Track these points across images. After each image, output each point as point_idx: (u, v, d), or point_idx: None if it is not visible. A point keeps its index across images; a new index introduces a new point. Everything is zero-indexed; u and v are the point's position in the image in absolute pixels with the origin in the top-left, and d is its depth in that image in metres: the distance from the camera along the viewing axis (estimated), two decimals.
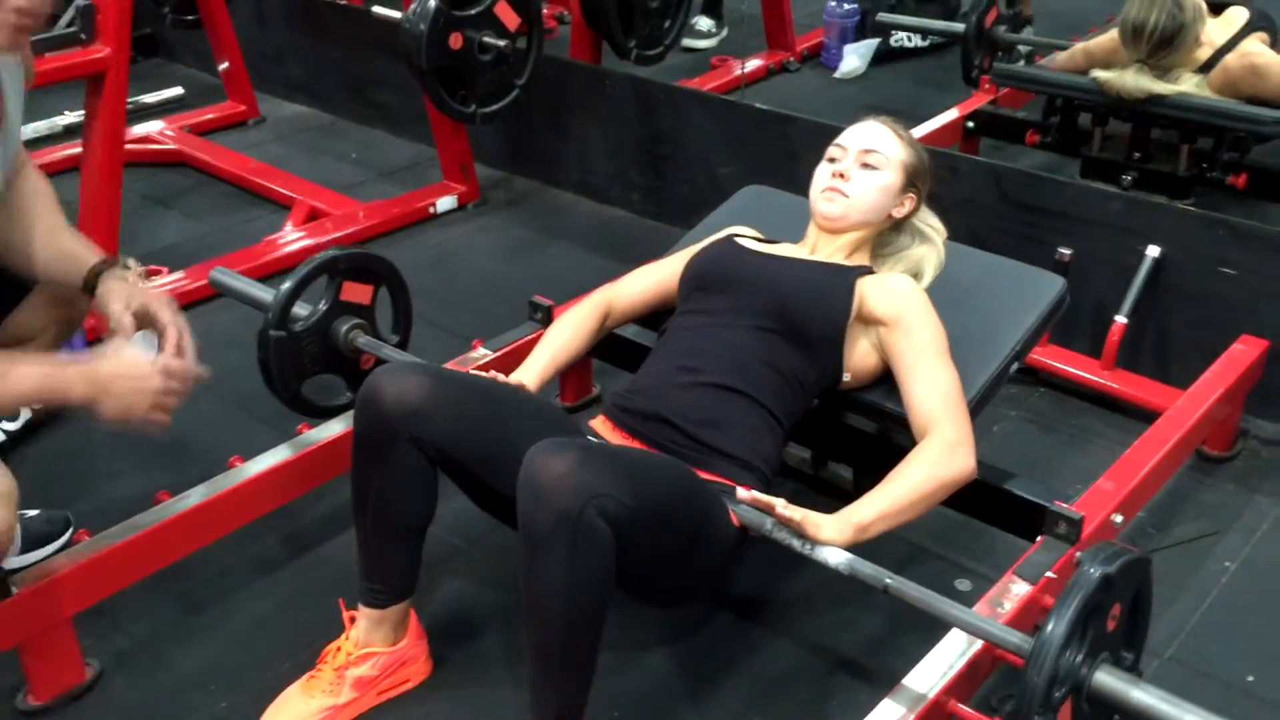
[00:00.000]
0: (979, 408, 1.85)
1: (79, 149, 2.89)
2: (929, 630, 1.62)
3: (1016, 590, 1.65)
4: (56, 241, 1.73)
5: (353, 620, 1.73)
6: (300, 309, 1.99)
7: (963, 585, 1.96)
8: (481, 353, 2.26)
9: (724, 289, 1.87)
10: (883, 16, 3.99)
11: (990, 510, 1.88)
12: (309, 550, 2.06)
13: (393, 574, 1.72)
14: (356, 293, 2.05)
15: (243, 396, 2.39)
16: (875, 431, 1.95)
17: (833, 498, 2.13)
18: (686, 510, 1.56)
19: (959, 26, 3.60)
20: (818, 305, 1.81)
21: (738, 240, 1.97)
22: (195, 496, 1.86)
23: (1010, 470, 1.87)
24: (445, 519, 2.04)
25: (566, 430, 1.72)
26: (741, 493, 1.59)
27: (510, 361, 2.15)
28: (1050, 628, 1.33)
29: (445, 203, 3.37)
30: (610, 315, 2.04)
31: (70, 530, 1.99)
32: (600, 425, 1.80)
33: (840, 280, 1.83)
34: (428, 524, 1.72)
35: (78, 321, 1.65)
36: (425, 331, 2.32)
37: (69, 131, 3.73)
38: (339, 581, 1.88)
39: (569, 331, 1.98)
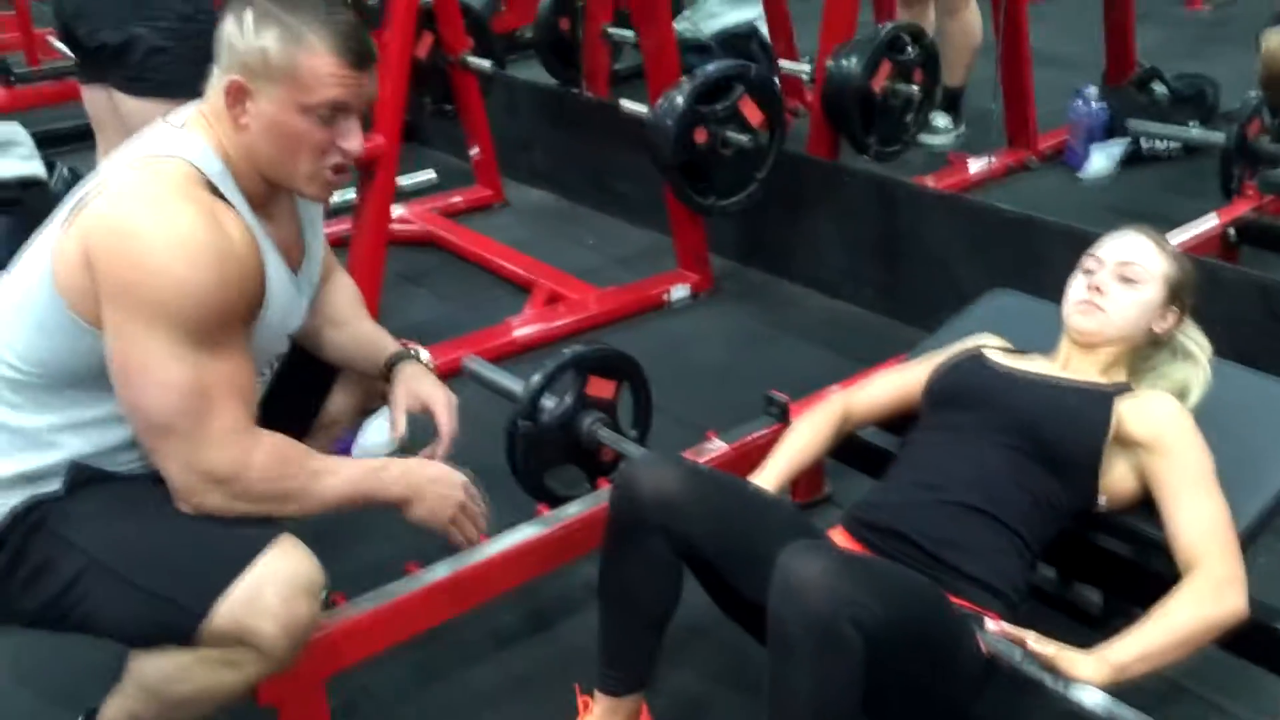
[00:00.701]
0: (1250, 540, 1.74)
1: (342, 227, 3.12)
2: None
3: None
4: (359, 333, 1.88)
5: (586, 705, 1.75)
6: (547, 400, 2.06)
7: None
8: (716, 444, 2.27)
9: (972, 407, 1.83)
10: (1134, 123, 3.86)
11: (1257, 649, 1.75)
12: (546, 629, 2.10)
13: (632, 663, 1.73)
14: (600, 387, 2.11)
15: (485, 473, 2.47)
16: (1129, 555, 1.85)
17: (1078, 621, 2.04)
18: (937, 630, 1.52)
19: (1219, 137, 3.45)
20: (1072, 429, 1.74)
21: (986, 354, 1.93)
22: (443, 570, 1.93)
23: (1278, 607, 1.75)
24: (679, 611, 2.05)
25: (812, 536, 1.71)
26: (991, 624, 1.53)
27: (744, 455, 2.16)
28: None
29: (679, 291, 3.43)
30: (848, 420, 2.02)
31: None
32: (838, 536, 1.77)
33: (1097, 404, 1.76)
34: (670, 616, 1.73)
35: (374, 406, 1.77)
36: (658, 420, 2.36)
37: (334, 212, 3.99)
38: (573, 663, 1.91)
39: (807, 436, 1.98)
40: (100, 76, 2.54)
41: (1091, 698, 1.46)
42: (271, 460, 1.53)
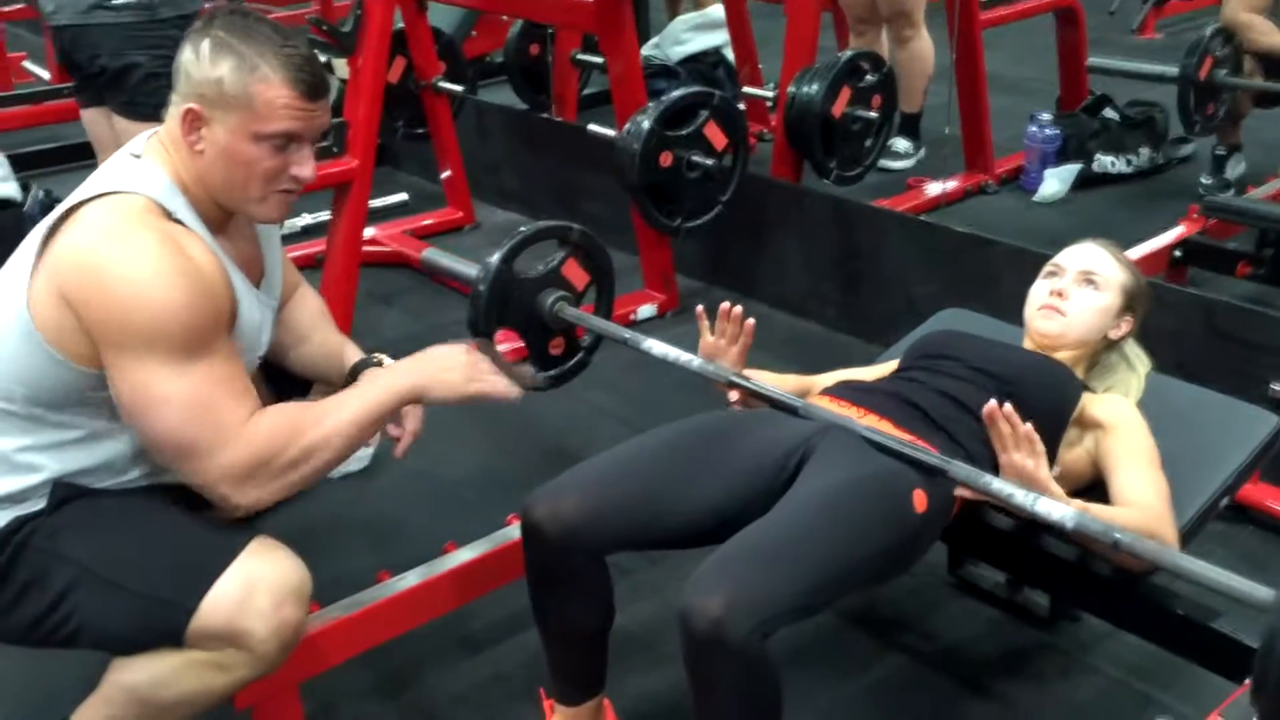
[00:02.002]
0: (1187, 539, 1.82)
1: (315, 248, 3.18)
2: None
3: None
4: (325, 344, 1.93)
5: (552, 708, 1.81)
6: (526, 259, 2.01)
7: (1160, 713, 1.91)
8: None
9: (954, 355, 1.91)
10: (1093, 61, 3.95)
11: (1194, 647, 1.83)
12: (513, 635, 2.15)
13: (579, 676, 1.78)
14: (575, 274, 2.09)
15: (454, 485, 2.55)
16: (1074, 559, 1.93)
17: (1027, 624, 2.12)
18: (859, 552, 1.54)
19: (1173, 70, 3.53)
20: (1049, 386, 1.84)
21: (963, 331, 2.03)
22: (413, 578, 1.98)
23: (1216, 608, 1.83)
24: (637, 613, 2.12)
25: (729, 448, 1.72)
26: (991, 403, 1.57)
27: None
28: None
29: (646, 310, 3.51)
30: (808, 396, 2.07)
31: None
32: (822, 400, 1.83)
33: (1070, 378, 1.87)
34: (609, 626, 1.77)
35: None
36: (623, 433, 2.41)
37: (306, 232, 4.06)
38: (537, 666, 1.95)
39: (769, 380, 2.01)
40: (99, 99, 2.61)
41: (1060, 511, 1.48)
42: (275, 431, 1.56)
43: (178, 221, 1.57)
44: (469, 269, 1.99)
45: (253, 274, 1.73)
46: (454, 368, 1.72)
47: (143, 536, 1.56)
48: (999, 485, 1.52)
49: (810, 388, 2.06)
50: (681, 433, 1.78)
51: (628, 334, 1.92)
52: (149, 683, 1.56)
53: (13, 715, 1.96)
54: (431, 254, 2.21)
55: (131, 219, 1.53)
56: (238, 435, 1.53)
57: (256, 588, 1.54)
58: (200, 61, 1.57)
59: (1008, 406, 1.55)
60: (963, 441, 1.73)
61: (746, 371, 1.91)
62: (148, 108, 2.48)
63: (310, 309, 1.96)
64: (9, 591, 1.56)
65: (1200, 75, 3.48)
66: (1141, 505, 1.70)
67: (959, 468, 1.57)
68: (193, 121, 1.57)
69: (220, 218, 1.65)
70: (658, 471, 1.70)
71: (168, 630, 1.53)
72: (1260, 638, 1.28)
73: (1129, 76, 4.22)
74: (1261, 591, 1.33)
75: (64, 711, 1.70)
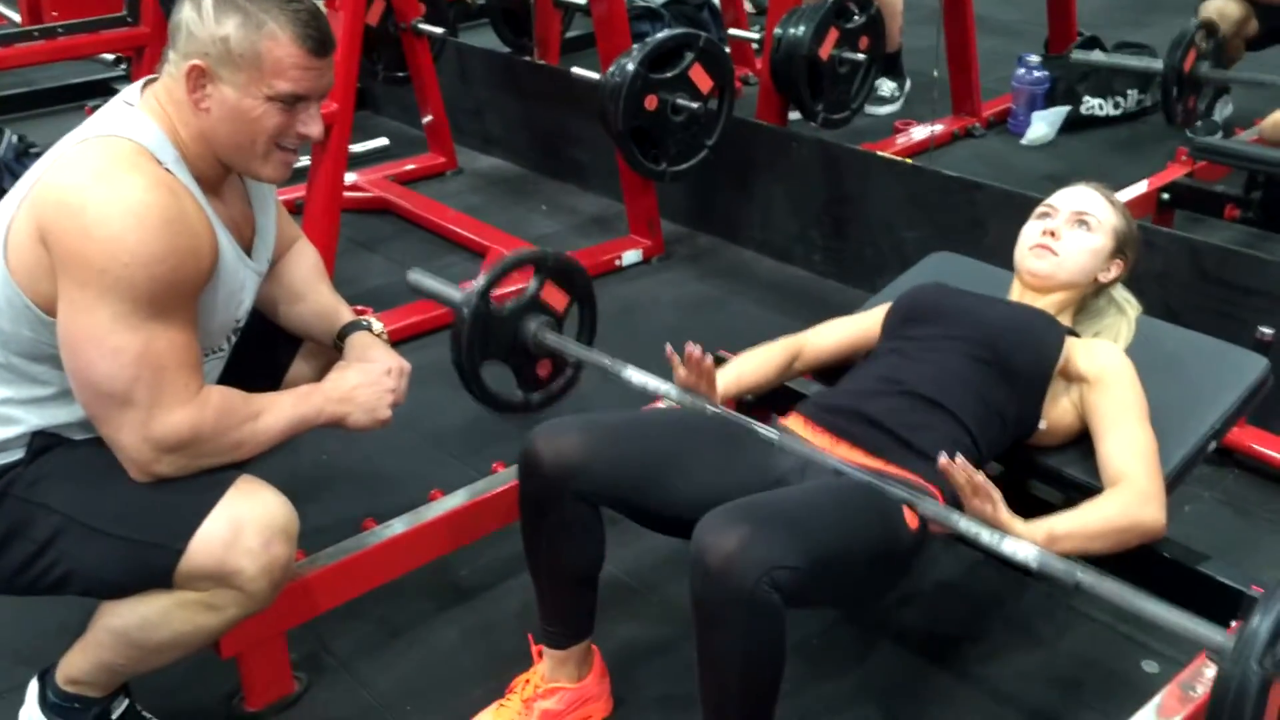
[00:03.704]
0: (1174, 485, 1.82)
1: (296, 194, 3.13)
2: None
3: (1210, 674, 1.62)
4: (317, 304, 1.90)
5: (540, 654, 1.81)
6: (496, 304, 1.99)
7: (1150, 667, 1.92)
8: (667, 405, 2.32)
9: (934, 319, 1.90)
10: (1077, 54, 3.92)
11: (1181, 592, 1.82)
12: (499, 582, 2.15)
13: (569, 618, 1.78)
14: (554, 297, 2.09)
15: (439, 433, 2.53)
16: (1062, 503, 1.93)
17: (1012, 569, 2.13)
18: (862, 543, 1.56)
19: (1158, 64, 3.51)
20: (1029, 343, 1.83)
21: (944, 283, 2.01)
22: (399, 525, 1.98)
23: (1203, 552, 1.84)
24: (625, 560, 2.12)
25: (732, 447, 1.73)
26: (944, 458, 1.54)
27: None
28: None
29: (631, 256, 3.48)
30: (799, 359, 2.06)
31: None
32: (794, 422, 1.82)
33: (1052, 327, 1.85)
34: (598, 569, 1.77)
35: (329, 371, 1.80)
36: (610, 383, 2.40)
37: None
38: (527, 613, 1.96)
39: (758, 360, 2.02)
40: None
41: (1025, 551, 1.48)
42: (220, 415, 1.56)
43: (168, 172, 1.53)
44: (455, 293, 2.00)
45: (242, 237, 1.70)
46: (379, 393, 1.74)
47: (124, 481, 1.54)
48: (966, 525, 1.53)
49: (800, 349, 2.06)
50: (687, 424, 1.79)
51: (607, 361, 1.92)
52: (139, 625, 1.57)
53: (2, 661, 1.95)
54: (417, 275, 2.21)
55: (121, 161, 1.49)
56: (183, 404, 1.51)
57: (244, 527, 1.54)
58: (203, 19, 1.52)
59: (959, 458, 1.54)
60: (932, 452, 1.68)
61: (733, 361, 2.01)
62: None
63: (305, 265, 1.93)
64: None
65: (1184, 69, 3.45)
66: (1125, 485, 1.68)
67: (927, 504, 1.58)
68: (198, 79, 1.53)
69: (213, 177, 1.62)
70: (661, 447, 1.72)
71: (157, 572, 1.53)
72: (1213, 687, 1.30)
73: (1115, 70, 4.16)
74: (1219, 637, 1.34)
75: (48, 658, 1.69)
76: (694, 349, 1.76)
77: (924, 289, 2.00)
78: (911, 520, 1.61)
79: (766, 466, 1.73)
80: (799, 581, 1.43)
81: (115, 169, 1.48)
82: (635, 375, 1.89)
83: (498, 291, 1.94)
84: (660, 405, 1.84)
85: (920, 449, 1.71)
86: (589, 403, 2.13)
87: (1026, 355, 1.81)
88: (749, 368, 2.00)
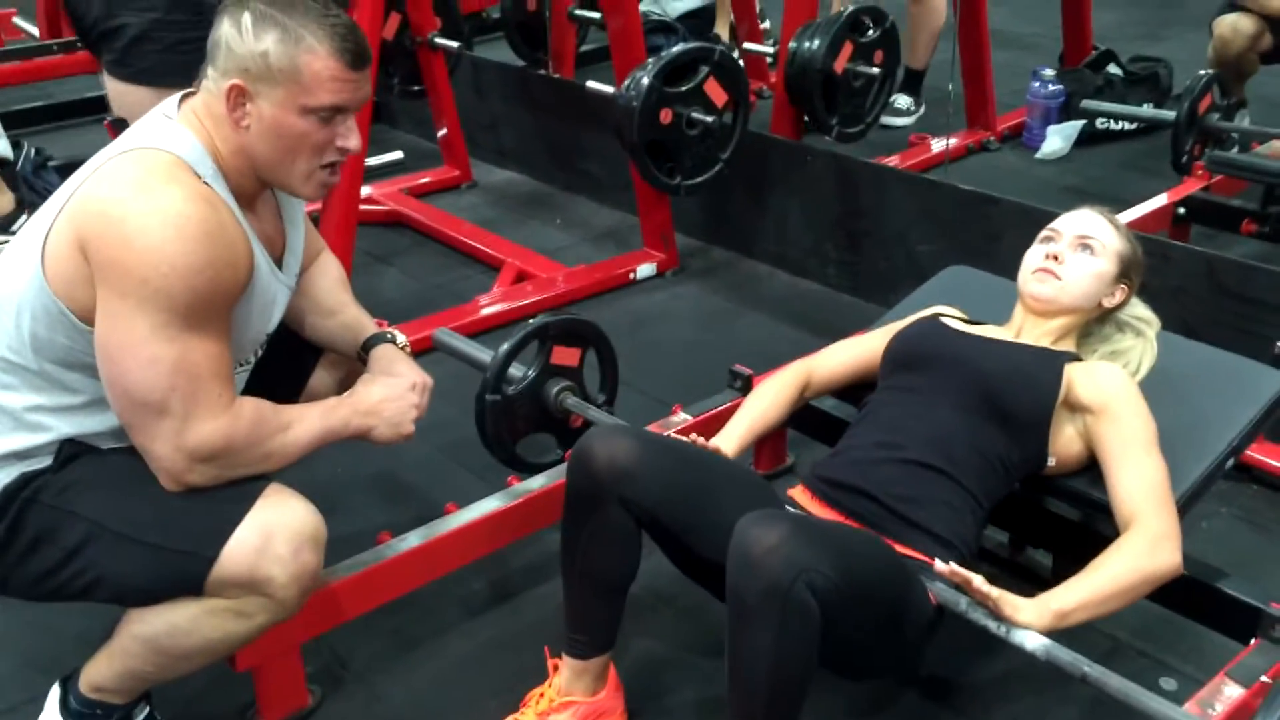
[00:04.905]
0: (1190, 504, 1.81)
1: (311, 207, 3.14)
2: None
3: (1229, 693, 1.61)
4: (342, 316, 1.92)
5: (556, 668, 1.81)
6: (515, 370, 2.09)
7: (1168, 684, 1.91)
8: (682, 417, 2.33)
9: (928, 367, 1.89)
10: (1087, 104, 3.93)
11: (1199, 609, 1.83)
12: (514, 596, 2.15)
13: (595, 627, 1.78)
14: (565, 356, 2.13)
15: (455, 446, 2.54)
16: (1077, 519, 1.92)
17: (1030, 584, 2.11)
18: (888, 588, 1.58)
19: (1169, 115, 3.53)
20: (1024, 388, 1.81)
21: (943, 320, 2.00)
22: (415, 538, 1.98)
23: (1221, 568, 1.82)
24: (642, 576, 2.11)
25: (768, 499, 1.76)
26: (940, 565, 1.58)
27: (709, 427, 2.21)
28: None
29: (645, 269, 3.48)
30: (809, 387, 2.08)
31: None
32: (799, 495, 1.83)
33: (1048, 364, 1.83)
34: (630, 582, 1.78)
35: (351, 383, 1.81)
36: (625, 394, 2.40)
37: None
38: (541, 628, 1.97)
39: (769, 400, 2.04)
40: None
41: (1032, 641, 1.52)
42: (252, 426, 1.58)
43: (206, 185, 1.55)
44: (482, 354, 2.07)
45: (274, 250, 1.72)
46: (404, 408, 1.77)
47: (154, 489, 1.56)
48: (975, 614, 1.56)
49: (810, 376, 2.07)
50: (736, 472, 1.82)
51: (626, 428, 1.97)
52: (167, 632, 1.58)
53: (19, 669, 1.96)
54: (443, 334, 2.28)
55: (160, 173, 1.51)
56: (217, 415, 1.53)
57: (275, 535, 1.56)
58: (243, 36, 1.54)
59: (952, 565, 1.56)
60: (933, 526, 1.72)
61: (747, 401, 2.06)
62: (133, 70, 2.45)
63: (330, 278, 1.95)
64: (17, 547, 1.57)
65: (1196, 117, 3.45)
66: (1136, 531, 1.66)
67: (939, 587, 1.61)
68: (237, 97, 1.55)
69: (249, 191, 1.64)
70: (709, 482, 1.73)
71: (188, 580, 1.55)
72: None
73: (1125, 119, 4.16)
74: None
75: (66, 667, 1.70)
76: (697, 440, 1.82)
77: (918, 331, 1.98)
78: (933, 595, 1.62)
79: None
80: (833, 592, 1.43)
81: (155, 181, 1.50)
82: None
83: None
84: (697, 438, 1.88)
85: (924, 525, 1.71)
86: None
87: (1023, 400, 1.80)
88: (758, 411, 2.02)
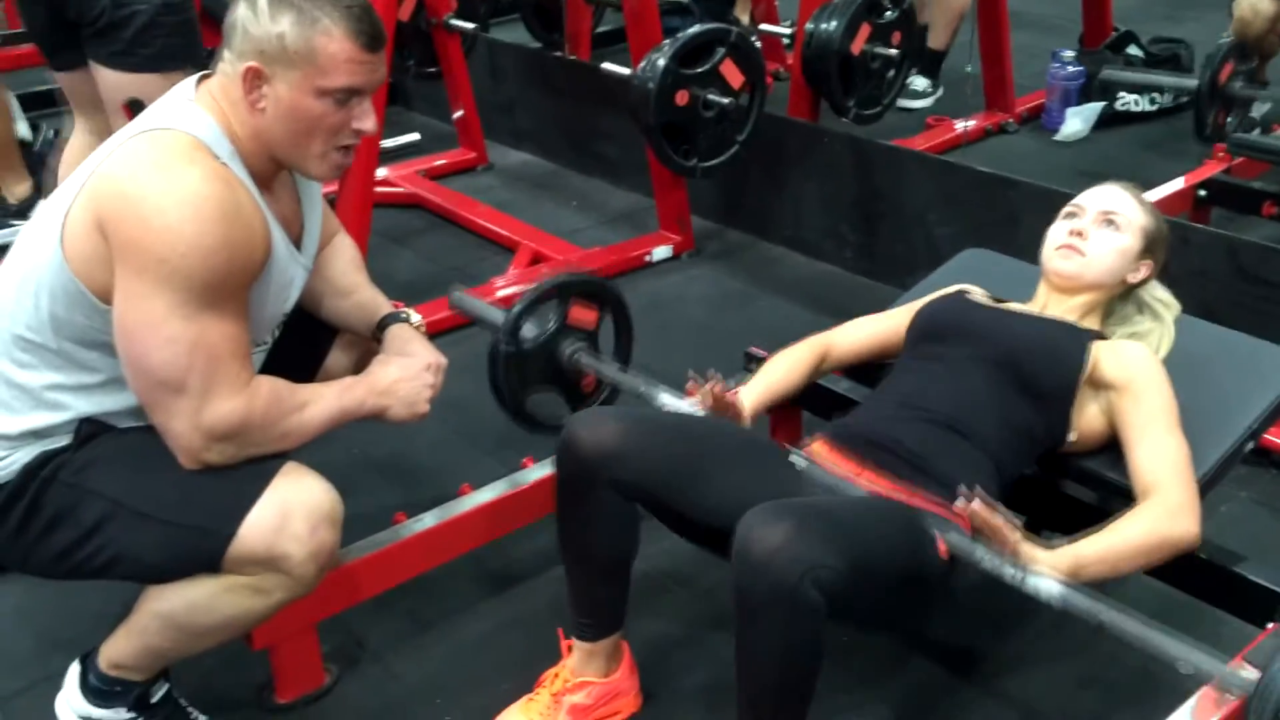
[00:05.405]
0: (1209, 487, 1.80)
1: (327, 189, 3.14)
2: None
3: (1247, 676, 1.60)
4: (356, 296, 1.92)
5: (569, 648, 1.81)
6: (530, 324, 2.07)
7: (1185, 668, 1.89)
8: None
9: (955, 339, 1.88)
10: (1108, 73, 3.89)
11: (1216, 592, 1.82)
12: (530, 576, 2.16)
13: (600, 610, 1.79)
14: (583, 316, 2.11)
15: (470, 427, 2.54)
16: (1095, 502, 1.91)
17: None
18: (898, 558, 1.56)
19: (1191, 82, 3.49)
20: (1051, 359, 1.80)
21: (968, 295, 1.99)
22: (430, 519, 1.98)
23: (1239, 552, 1.81)
24: (656, 557, 2.12)
25: (766, 462, 1.75)
26: (964, 489, 1.54)
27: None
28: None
29: (661, 252, 3.48)
30: (827, 359, 2.05)
31: None
32: (818, 448, 1.82)
33: (1075, 338, 1.82)
34: (631, 561, 1.78)
35: (366, 364, 1.82)
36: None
37: None
38: (555, 608, 1.97)
39: (786, 366, 2.01)
40: (80, 59, 2.53)
41: (1049, 587, 1.49)
42: (269, 405, 1.58)
43: (223, 165, 1.56)
44: (499, 315, 2.04)
45: (292, 231, 1.73)
46: (419, 387, 1.76)
47: (171, 467, 1.56)
48: (989, 561, 1.54)
49: (828, 350, 2.05)
50: (725, 433, 1.80)
51: (642, 387, 1.95)
52: (186, 609, 1.60)
53: (39, 647, 1.98)
54: (459, 295, 2.26)
55: (178, 153, 1.52)
56: (235, 394, 1.53)
57: (292, 512, 1.57)
58: (259, 18, 1.55)
59: (976, 502, 1.53)
60: (958, 478, 1.68)
61: (763, 370, 2.00)
62: (139, 58, 2.44)
63: (345, 258, 1.96)
64: (36, 525, 1.58)
65: (1219, 85, 3.41)
66: (1155, 499, 1.66)
67: (953, 537, 1.58)
68: (254, 80, 1.55)
69: (266, 173, 1.64)
70: (699, 450, 1.72)
71: (206, 557, 1.56)
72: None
73: (1145, 89, 4.12)
74: (1243, 675, 1.38)
75: (84, 645, 1.71)
76: (716, 383, 1.78)
77: (944, 304, 1.97)
78: (943, 549, 1.61)
79: (798, 484, 1.73)
80: (840, 583, 1.42)
81: (173, 161, 1.51)
82: (669, 399, 1.92)
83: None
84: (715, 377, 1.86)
85: (943, 477, 1.70)
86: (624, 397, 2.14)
87: (1050, 371, 1.79)
88: (777, 375, 1.99)
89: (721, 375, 1.83)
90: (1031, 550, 1.55)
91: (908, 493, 1.69)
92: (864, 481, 1.72)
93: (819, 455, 1.80)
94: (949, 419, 1.76)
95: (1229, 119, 3.42)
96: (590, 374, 2.10)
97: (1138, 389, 1.76)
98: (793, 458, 1.75)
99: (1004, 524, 1.53)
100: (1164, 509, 1.65)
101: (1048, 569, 1.53)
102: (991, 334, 1.85)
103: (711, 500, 1.65)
